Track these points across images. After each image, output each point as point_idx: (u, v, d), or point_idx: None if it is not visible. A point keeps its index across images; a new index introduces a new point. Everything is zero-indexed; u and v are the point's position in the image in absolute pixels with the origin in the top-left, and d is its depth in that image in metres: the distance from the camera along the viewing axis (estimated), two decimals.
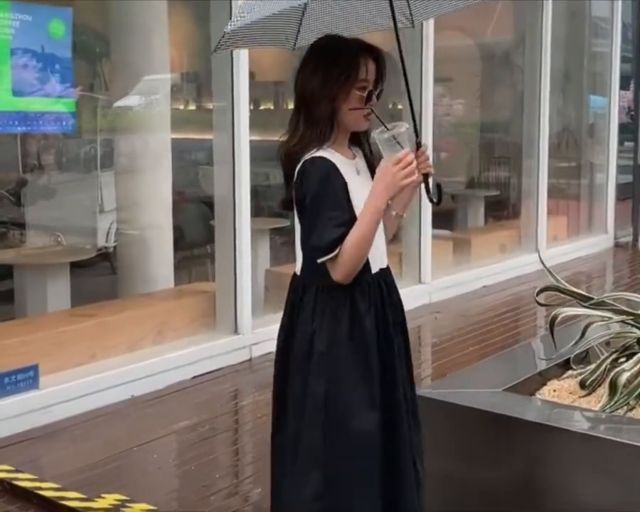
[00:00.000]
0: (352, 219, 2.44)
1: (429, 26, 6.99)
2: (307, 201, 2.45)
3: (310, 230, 2.47)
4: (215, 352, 5.47)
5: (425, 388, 3.46)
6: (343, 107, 2.52)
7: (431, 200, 2.55)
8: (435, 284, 7.34)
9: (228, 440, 4.65)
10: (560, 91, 10.08)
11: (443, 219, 9.38)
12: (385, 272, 2.65)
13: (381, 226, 2.56)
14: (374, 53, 2.57)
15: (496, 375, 3.63)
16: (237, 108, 5.47)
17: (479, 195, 10.12)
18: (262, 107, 10.59)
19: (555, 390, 3.40)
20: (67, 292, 5.75)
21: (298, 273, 2.63)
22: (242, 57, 5.42)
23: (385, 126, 2.42)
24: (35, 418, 4.45)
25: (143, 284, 6.01)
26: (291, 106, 2.75)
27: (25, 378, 4.48)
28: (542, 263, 4.05)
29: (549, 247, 8.91)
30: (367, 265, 2.54)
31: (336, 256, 2.41)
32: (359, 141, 2.67)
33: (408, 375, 2.68)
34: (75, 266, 6.15)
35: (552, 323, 3.69)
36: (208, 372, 5.36)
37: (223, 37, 2.63)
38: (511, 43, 10.24)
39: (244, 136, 5.50)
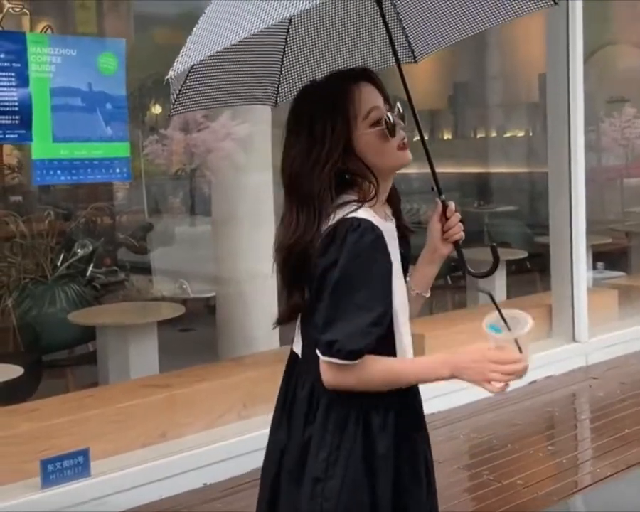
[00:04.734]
0: (387, 313, 1.88)
1: (577, 41, 5.94)
2: (337, 273, 1.82)
3: (334, 314, 1.83)
4: None
5: None
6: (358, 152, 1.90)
7: (469, 273, 2.00)
8: (593, 342, 6.20)
9: None
10: None
11: (613, 261, 8.22)
12: None
13: None
14: (362, 74, 1.93)
15: None
16: None
17: None
18: None
19: None
20: (155, 355, 5.15)
21: (299, 354, 2.04)
22: None
23: (504, 319, 1.82)
24: None
25: (243, 344, 5.33)
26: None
27: (72, 465, 3.89)
28: None
29: None
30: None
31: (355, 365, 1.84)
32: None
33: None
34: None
35: None
36: None
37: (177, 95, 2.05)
38: None
39: None
